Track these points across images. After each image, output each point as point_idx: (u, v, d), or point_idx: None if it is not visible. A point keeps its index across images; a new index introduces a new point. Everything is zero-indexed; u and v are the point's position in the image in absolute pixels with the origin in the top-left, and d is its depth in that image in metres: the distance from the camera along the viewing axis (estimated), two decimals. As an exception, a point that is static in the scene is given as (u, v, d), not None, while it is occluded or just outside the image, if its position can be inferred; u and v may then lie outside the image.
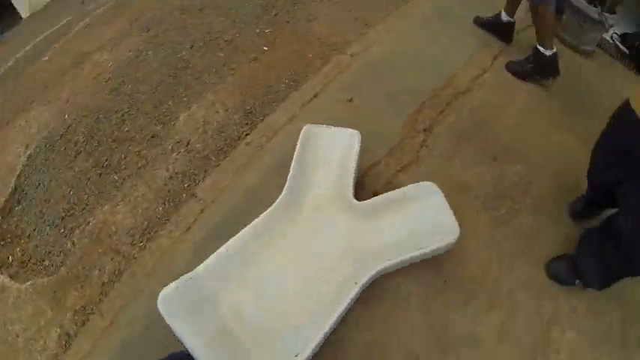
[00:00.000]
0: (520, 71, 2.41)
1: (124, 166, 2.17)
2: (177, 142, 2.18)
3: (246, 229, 1.60)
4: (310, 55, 2.52)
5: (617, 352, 1.59)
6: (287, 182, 1.74)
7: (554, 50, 2.26)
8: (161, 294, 1.43)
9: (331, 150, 1.85)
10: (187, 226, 1.86)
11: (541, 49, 2.24)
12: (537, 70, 2.35)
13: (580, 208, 1.87)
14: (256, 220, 1.63)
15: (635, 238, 1.38)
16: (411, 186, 1.75)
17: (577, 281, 1.64)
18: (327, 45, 2.59)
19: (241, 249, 1.58)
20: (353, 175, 1.76)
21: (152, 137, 2.24)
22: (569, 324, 1.62)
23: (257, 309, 1.50)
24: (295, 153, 1.81)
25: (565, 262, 1.69)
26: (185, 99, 2.36)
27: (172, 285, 1.45)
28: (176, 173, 2.07)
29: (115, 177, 2.14)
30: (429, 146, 2.11)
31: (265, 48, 2.57)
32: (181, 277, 1.47)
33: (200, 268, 1.51)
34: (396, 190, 1.76)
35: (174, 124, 2.26)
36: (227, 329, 1.43)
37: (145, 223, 1.95)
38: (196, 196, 1.96)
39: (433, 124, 2.20)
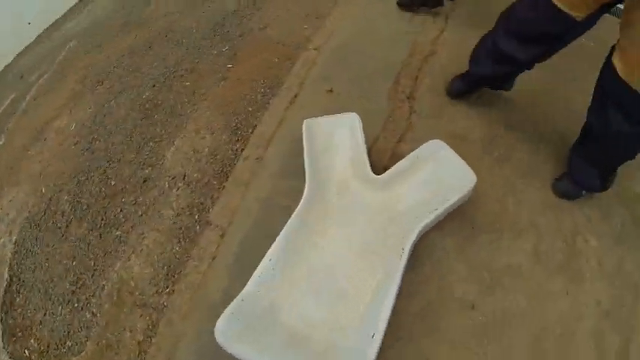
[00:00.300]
0: (410, 5, 2.58)
1: (123, 219, 2.01)
2: (173, 179, 2.05)
3: (281, 234, 1.52)
4: (276, 60, 2.47)
5: (637, 247, 1.71)
6: (307, 178, 1.69)
7: None
8: (218, 325, 1.31)
9: (337, 136, 1.83)
10: (212, 255, 1.74)
11: None
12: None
13: (463, 87, 2.05)
14: (290, 222, 1.56)
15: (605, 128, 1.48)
16: (419, 148, 1.77)
17: (583, 192, 1.78)
18: (288, 46, 2.54)
19: (283, 253, 1.50)
20: (365, 153, 1.75)
21: (144, 182, 2.10)
22: (589, 232, 1.74)
23: (317, 304, 1.42)
24: (305, 149, 1.78)
25: (566, 179, 1.80)
26: (166, 136, 2.24)
27: (227, 312, 1.34)
28: (182, 208, 1.94)
29: (118, 232, 1.98)
30: (416, 111, 2.14)
31: (229, 65, 2.49)
32: (233, 302, 1.36)
33: (249, 286, 1.41)
34: (407, 156, 1.77)
35: (163, 162, 2.13)
36: (294, 335, 1.34)
37: (165, 267, 1.81)
38: (211, 224, 1.84)
39: (413, 90, 2.24)
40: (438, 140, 1.76)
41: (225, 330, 1.29)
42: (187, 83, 2.47)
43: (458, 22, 2.53)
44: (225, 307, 1.39)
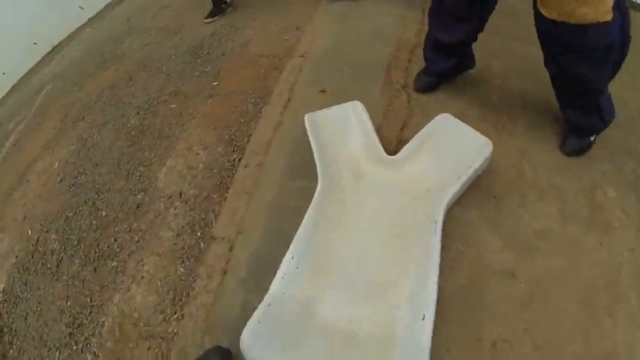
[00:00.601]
0: None
1: (118, 249, 1.83)
2: (169, 199, 1.89)
3: (300, 230, 1.37)
4: (263, 71, 2.39)
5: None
6: (318, 171, 1.56)
7: None
8: (244, 337, 1.14)
9: (343, 124, 1.73)
10: (222, 271, 1.56)
11: None
12: None
13: (430, 81, 2.03)
14: (307, 217, 1.41)
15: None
16: (428, 125, 1.70)
17: (591, 138, 1.74)
18: (273, 57, 2.47)
19: (306, 249, 1.34)
20: (376, 136, 1.65)
21: (137, 207, 1.93)
22: (607, 184, 1.70)
23: (355, 298, 1.25)
24: (312, 143, 1.66)
25: (569, 136, 1.77)
26: (156, 159, 2.10)
27: (252, 320, 1.16)
28: (182, 227, 1.77)
29: (114, 263, 1.79)
30: (415, 98, 2.06)
31: (215, 83, 2.40)
32: (258, 308, 1.19)
33: (273, 289, 1.24)
34: (418, 134, 1.68)
35: (156, 184, 1.98)
36: (336, 337, 1.16)
37: (171, 292, 1.62)
38: (216, 238, 1.67)
39: (406, 80, 2.18)
40: (445, 114, 1.69)
41: (253, 342, 1.12)
42: (173, 106, 2.35)
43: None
44: (246, 323, 1.22)
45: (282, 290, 1.24)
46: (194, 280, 1.61)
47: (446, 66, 1.92)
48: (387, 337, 1.14)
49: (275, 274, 1.34)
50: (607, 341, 1.33)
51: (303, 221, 1.40)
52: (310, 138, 1.66)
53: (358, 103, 1.76)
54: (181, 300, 1.59)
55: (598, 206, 1.64)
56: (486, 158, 1.56)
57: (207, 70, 2.51)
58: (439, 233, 1.32)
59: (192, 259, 1.68)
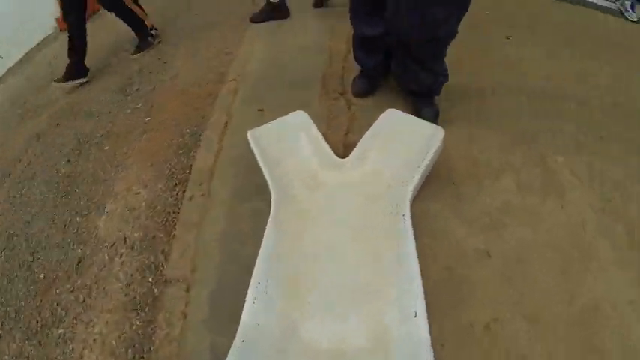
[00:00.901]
0: (260, 18, 2.82)
1: (63, 313, 1.61)
2: (112, 246, 1.70)
3: (261, 252, 1.23)
4: (196, 100, 2.26)
5: (595, 152, 1.78)
6: (270, 186, 1.44)
7: None
8: None
9: (289, 136, 1.62)
10: (182, 314, 1.40)
11: None
12: (271, 15, 2.79)
13: (366, 84, 2.04)
14: (266, 237, 1.28)
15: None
16: (376, 122, 1.65)
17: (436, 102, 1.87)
18: (205, 85, 2.35)
19: (272, 270, 1.20)
20: (325, 142, 1.58)
21: (79, 262, 1.72)
22: (553, 153, 1.76)
23: (339, 312, 1.14)
24: (258, 159, 1.54)
25: (421, 107, 1.86)
26: (93, 206, 1.90)
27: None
28: (131, 275, 1.59)
29: (60, 331, 1.57)
30: (355, 103, 2.03)
31: (148, 118, 2.24)
32: (232, 347, 1.04)
33: (245, 319, 1.10)
34: (367, 132, 1.62)
35: (96, 233, 1.78)
36: (324, 355, 1.04)
37: (130, 350, 1.42)
38: (170, 280, 1.51)
39: (344, 87, 2.16)
40: (391, 109, 1.65)
41: None
42: (106, 148, 2.16)
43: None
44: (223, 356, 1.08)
45: (255, 320, 1.09)
46: (153, 332, 1.44)
47: (376, 61, 1.93)
48: (379, 345, 1.03)
49: (241, 306, 1.19)
50: (589, 297, 1.35)
51: (263, 242, 1.26)
52: (256, 154, 1.54)
53: (301, 112, 1.67)
54: (142, 357, 1.41)
55: (551, 172, 1.69)
56: (440, 145, 1.52)
57: (138, 106, 2.35)
58: (410, 227, 1.24)
59: (147, 309, 1.50)
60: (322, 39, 2.48)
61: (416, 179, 1.40)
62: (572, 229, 1.51)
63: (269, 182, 1.44)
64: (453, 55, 1.80)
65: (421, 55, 1.68)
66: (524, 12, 2.91)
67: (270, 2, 2.78)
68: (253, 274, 1.18)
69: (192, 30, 2.98)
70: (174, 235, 1.62)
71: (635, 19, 3.14)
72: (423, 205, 1.54)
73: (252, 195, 1.63)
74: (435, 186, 1.61)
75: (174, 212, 1.71)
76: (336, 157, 1.54)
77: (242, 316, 1.09)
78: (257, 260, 1.22)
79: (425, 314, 1.06)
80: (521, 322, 1.30)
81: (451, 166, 1.70)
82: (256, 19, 2.83)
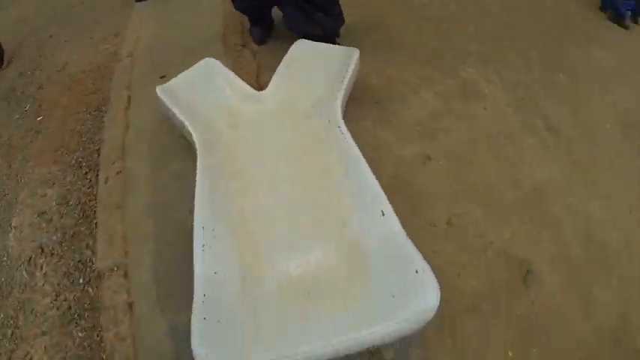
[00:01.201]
0: None
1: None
2: (30, 261, 1.41)
3: (197, 199, 1.04)
4: (91, 85, 1.96)
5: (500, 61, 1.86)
6: (192, 133, 1.23)
7: None
8: (195, 350, 0.79)
9: (202, 81, 1.43)
10: (127, 305, 1.18)
11: None
12: None
13: (261, 31, 1.94)
14: (198, 184, 1.08)
15: None
16: (288, 52, 1.52)
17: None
18: (98, 69, 2.06)
19: (214, 211, 1.02)
20: (239, 80, 1.41)
21: (-6, 290, 1.44)
22: (463, 65, 1.81)
23: (302, 239, 0.98)
24: (172, 109, 1.33)
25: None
26: (-3, 226, 1.59)
27: (195, 324, 0.82)
28: (59, 284, 1.32)
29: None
30: (259, 51, 1.91)
31: (40, 117, 1.92)
32: (193, 309, 0.85)
33: (199, 270, 0.91)
34: (280, 64, 1.47)
35: (8, 253, 1.47)
36: (297, 292, 0.89)
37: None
38: (104, 273, 1.27)
39: (244, 40, 2.00)
40: (301, 40, 1.52)
41: (207, 350, 0.77)
42: (1, 161, 1.83)
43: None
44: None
45: (211, 269, 0.90)
46: (100, 338, 1.21)
47: (258, 4, 1.82)
48: (354, 257, 0.89)
49: (190, 274, 0.99)
50: (532, 180, 1.41)
51: (197, 189, 1.06)
52: (170, 107, 1.31)
53: (210, 59, 1.48)
54: None
55: (466, 81, 1.72)
56: (357, 63, 1.41)
57: (26, 109, 2.01)
58: (349, 135, 1.10)
59: (86, 314, 1.26)
60: (214, 2, 2.27)
61: (341, 93, 1.27)
62: (498, 126, 1.56)
63: (190, 130, 1.22)
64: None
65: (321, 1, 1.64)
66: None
67: None
68: (194, 220, 0.98)
69: (72, 21, 2.62)
70: (95, 223, 1.38)
71: None
72: (352, 125, 1.43)
73: (171, 159, 1.42)
74: (359, 107, 1.54)
75: (90, 201, 1.46)
76: (254, 91, 1.37)
77: (194, 268, 0.90)
78: (195, 208, 1.01)
79: (392, 210, 0.93)
80: (478, 211, 1.31)
81: (371, 87, 1.65)
82: None
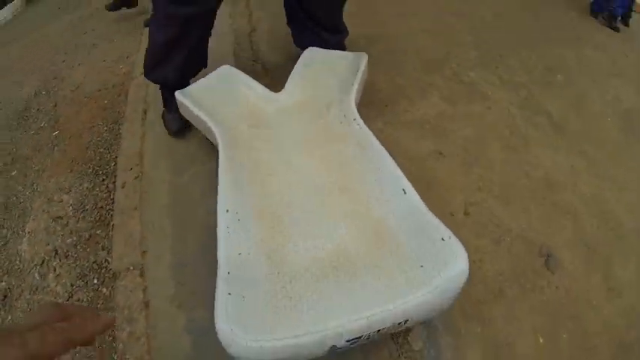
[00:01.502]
0: (113, 6, 2.73)
1: None
2: (42, 264, 1.39)
3: (220, 187, 1.03)
4: (106, 101, 2.00)
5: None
6: (214, 130, 1.22)
7: None
8: (220, 328, 0.75)
9: (221, 85, 1.45)
10: (144, 304, 1.16)
11: None
12: (123, 2, 2.73)
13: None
14: (222, 176, 1.06)
15: None
16: (299, 60, 1.54)
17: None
18: (112, 87, 2.10)
19: (239, 197, 1.01)
20: (258, 83, 1.43)
21: (4, 298, 1.40)
22: (463, 70, 1.88)
23: (320, 224, 0.97)
24: (193, 110, 1.31)
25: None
26: (11, 233, 1.56)
27: (219, 304, 0.78)
28: (71, 285, 1.29)
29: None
30: (269, 67, 1.93)
31: (56, 132, 1.93)
32: (217, 288, 0.81)
33: (222, 252, 0.88)
34: (294, 69, 1.50)
35: (21, 257, 1.46)
36: (324, 266, 0.87)
37: None
38: (120, 272, 1.25)
39: (254, 56, 2.04)
40: (311, 47, 1.56)
41: (231, 327, 0.73)
42: (14, 173, 1.82)
43: (257, 2, 2.46)
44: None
45: (235, 250, 0.88)
46: (113, 339, 1.19)
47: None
48: (380, 236, 0.88)
49: (210, 268, 0.92)
50: (541, 170, 1.45)
51: (219, 178, 1.05)
52: (190, 108, 1.31)
53: (225, 65, 1.51)
54: None
55: (468, 86, 1.77)
56: (366, 64, 1.44)
57: (42, 125, 2.04)
58: (365, 127, 1.12)
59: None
60: (224, 23, 2.36)
61: (354, 92, 1.29)
62: (504, 123, 1.60)
63: (211, 127, 1.22)
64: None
65: (324, 18, 1.62)
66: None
67: None
68: (218, 206, 0.97)
69: (85, 47, 2.71)
70: (112, 225, 1.37)
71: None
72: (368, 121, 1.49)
73: (191, 164, 1.43)
74: (370, 110, 1.57)
75: (107, 205, 1.46)
76: (271, 92, 1.39)
77: (218, 251, 0.88)
78: (218, 195, 1.01)
79: (412, 188, 0.93)
80: (493, 201, 1.33)
81: (379, 92, 1.69)
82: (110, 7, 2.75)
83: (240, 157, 1.13)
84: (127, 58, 2.37)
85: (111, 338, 1.20)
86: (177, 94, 1.38)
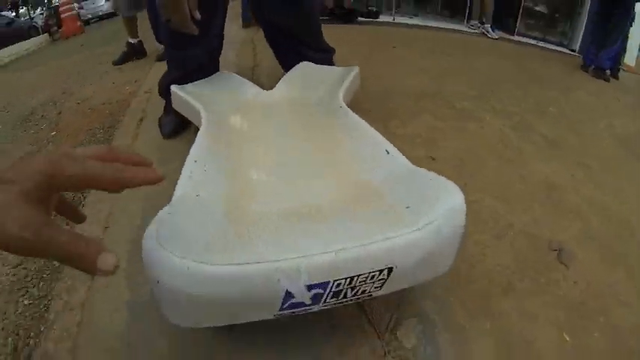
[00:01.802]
0: (120, 60, 2.92)
1: None
2: None
3: (195, 145, 0.95)
4: (108, 112, 2.04)
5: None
6: (201, 113, 1.18)
7: (139, 39, 2.92)
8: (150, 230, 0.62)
9: (216, 84, 1.47)
10: (84, 280, 1.08)
11: (130, 40, 2.90)
12: (130, 55, 2.93)
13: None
14: (198, 141, 0.98)
15: None
16: (292, 69, 1.59)
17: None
18: (116, 102, 2.16)
19: (211, 154, 0.94)
20: (249, 82, 1.47)
21: None
22: (457, 100, 1.91)
23: (297, 181, 0.90)
24: (184, 98, 1.31)
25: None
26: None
27: (162, 214, 0.65)
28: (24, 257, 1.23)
29: None
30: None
31: (53, 133, 1.96)
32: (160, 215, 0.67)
33: (179, 191, 0.75)
34: (284, 76, 1.54)
35: None
36: (296, 215, 0.76)
37: (9, 339, 1.03)
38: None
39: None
40: (304, 62, 1.60)
41: (161, 245, 0.58)
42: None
43: (263, 45, 2.65)
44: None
45: (194, 192, 0.76)
46: (47, 307, 1.07)
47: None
48: (360, 190, 0.79)
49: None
50: (538, 175, 1.42)
51: (195, 140, 0.97)
52: (182, 96, 1.31)
53: (226, 72, 1.56)
54: (28, 344, 1.02)
55: (461, 111, 1.82)
56: (357, 74, 1.47)
57: (42, 127, 2.07)
58: (354, 114, 1.08)
59: (41, 284, 1.11)
60: (238, 58, 2.53)
61: (342, 92, 1.26)
62: (498, 138, 1.62)
63: (200, 110, 1.18)
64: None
65: (303, 35, 1.63)
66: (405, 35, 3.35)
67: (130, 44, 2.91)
68: (189, 155, 0.89)
69: (97, 74, 2.87)
70: (83, 205, 1.33)
71: (496, 37, 3.78)
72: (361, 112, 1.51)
73: (178, 156, 1.42)
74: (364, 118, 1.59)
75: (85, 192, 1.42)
76: (263, 90, 1.42)
77: (175, 192, 0.75)
78: (191, 149, 0.93)
79: (396, 149, 0.87)
80: (491, 200, 1.26)
81: (371, 113, 1.67)
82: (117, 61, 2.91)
83: (220, 129, 1.10)
84: (135, 82, 2.47)
85: (45, 308, 1.09)
86: (173, 86, 1.40)
